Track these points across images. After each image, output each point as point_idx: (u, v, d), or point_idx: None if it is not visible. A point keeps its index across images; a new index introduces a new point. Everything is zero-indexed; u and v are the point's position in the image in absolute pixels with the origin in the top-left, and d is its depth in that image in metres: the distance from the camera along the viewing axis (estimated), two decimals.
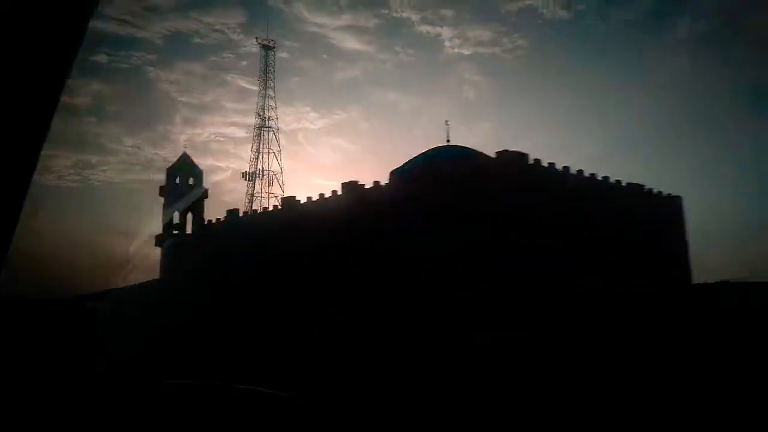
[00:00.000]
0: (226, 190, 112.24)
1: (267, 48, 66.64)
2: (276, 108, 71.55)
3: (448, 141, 41.79)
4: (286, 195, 61.47)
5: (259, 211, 52.40)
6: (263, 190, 71.24)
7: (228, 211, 49.65)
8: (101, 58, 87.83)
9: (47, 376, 16.82)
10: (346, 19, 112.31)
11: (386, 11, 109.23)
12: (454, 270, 30.21)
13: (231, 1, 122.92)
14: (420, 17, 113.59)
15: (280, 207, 47.91)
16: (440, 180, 33.15)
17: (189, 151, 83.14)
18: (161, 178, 57.14)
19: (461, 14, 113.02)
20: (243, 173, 70.13)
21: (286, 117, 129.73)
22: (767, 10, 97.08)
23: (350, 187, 37.62)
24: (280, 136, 68.10)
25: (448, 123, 51.01)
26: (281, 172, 71.95)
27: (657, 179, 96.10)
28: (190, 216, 54.05)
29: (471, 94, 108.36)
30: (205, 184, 59.70)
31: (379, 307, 31.54)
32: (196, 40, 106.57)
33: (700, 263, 44.26)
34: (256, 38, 65.46)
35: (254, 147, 72.23)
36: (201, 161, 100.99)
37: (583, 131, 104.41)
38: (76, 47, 1.67)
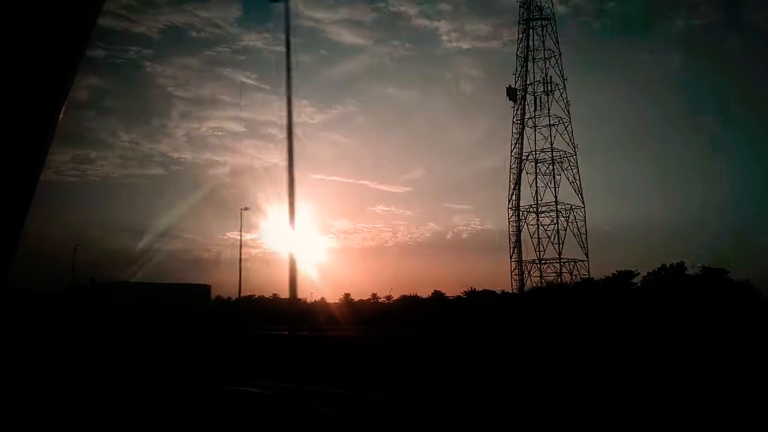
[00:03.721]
0: (225, 185, 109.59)
1: None
2: None
3: None
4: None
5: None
6: (533, 112, 52.27)
7: None
8: (98, 52, 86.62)
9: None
10: (343, 13, 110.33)
11: (383, 5, 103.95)
12: None
13: None
14: (417, 11, 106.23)
15: None
16: None
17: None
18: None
19: (459, 8, 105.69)
20: (507, 88, 52.63)
21: (283, 112, 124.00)
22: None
23: None
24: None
25: None
26: (564, 85, 52.92)
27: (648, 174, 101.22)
28: None
29: (468, 89, 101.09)
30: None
31: None
32: (192, 34, 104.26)
33: None
34: None
35: (520, 47, 52.53)
36: (198, 156, 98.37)
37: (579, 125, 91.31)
38: (85, 44, 1.71)
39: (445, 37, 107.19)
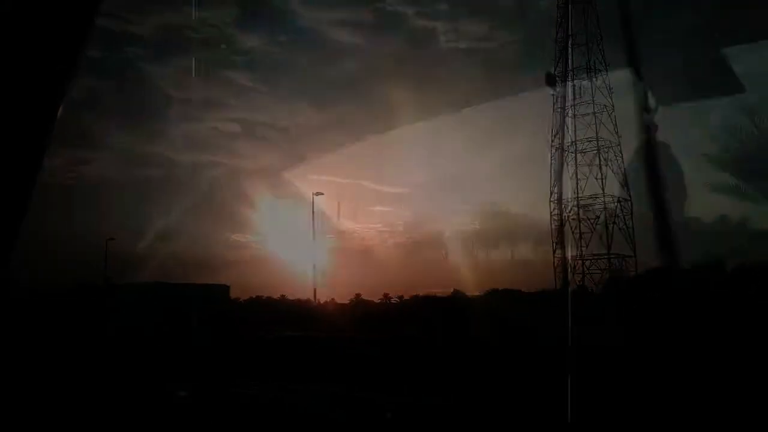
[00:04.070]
0: (222, 186, 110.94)
1: None
2: None
3: None
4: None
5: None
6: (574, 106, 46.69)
7: None
8: (94, 53, 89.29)
9: None
10: (340, 13, 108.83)
11: (381, 5, 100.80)
12: None
13: None
14: (415, 11, 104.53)
15: None
16: None
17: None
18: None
19: (457, 8, 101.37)
20: (547, 74, 48.99)
21: (281, 113, 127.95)
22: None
23: None
24: None
25: None
26: (607, 70, 47.13)
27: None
28: None
29: (467, 89, 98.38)
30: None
31: None
32: (190, 34, 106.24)
33: None
34: None
35: (560, 31, 46.16)
36: (196, 156, 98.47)
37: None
38: (82, 45, 1.70)
39: (442, 37, 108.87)
